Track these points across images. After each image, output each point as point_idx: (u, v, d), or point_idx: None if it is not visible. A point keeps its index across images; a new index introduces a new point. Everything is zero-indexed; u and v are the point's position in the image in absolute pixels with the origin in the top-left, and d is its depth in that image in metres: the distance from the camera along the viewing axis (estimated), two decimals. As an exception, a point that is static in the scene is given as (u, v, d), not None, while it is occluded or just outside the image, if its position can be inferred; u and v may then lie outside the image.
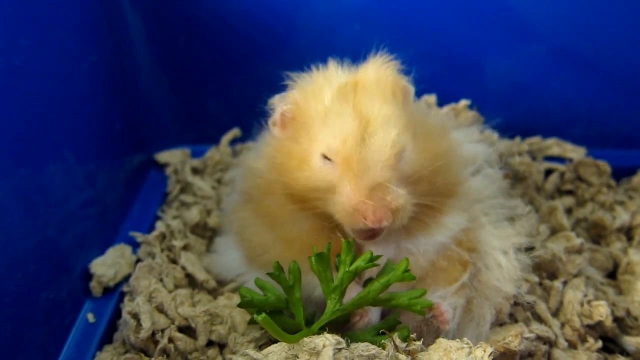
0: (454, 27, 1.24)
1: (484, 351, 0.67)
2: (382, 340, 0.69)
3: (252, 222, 0.85)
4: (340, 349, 0.63)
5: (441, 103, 1.23)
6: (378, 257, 0.70)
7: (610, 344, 0.91)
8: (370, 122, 0.72)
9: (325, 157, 0.73)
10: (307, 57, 1.30)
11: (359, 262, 0.70)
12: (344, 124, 0.72)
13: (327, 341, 0.62)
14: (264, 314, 0.64)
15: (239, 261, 0.90)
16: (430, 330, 0.77)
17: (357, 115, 0.72)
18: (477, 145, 0.97)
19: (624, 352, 0.89)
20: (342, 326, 0.74)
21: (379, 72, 0.79)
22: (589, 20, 1.20)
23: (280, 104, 0.80)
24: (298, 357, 0.64)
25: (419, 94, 1.24)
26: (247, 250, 0.87)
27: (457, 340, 0.70)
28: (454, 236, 0.82)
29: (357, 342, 0.70)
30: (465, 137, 0.98)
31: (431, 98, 1.23)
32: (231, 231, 0.94)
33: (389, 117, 0.73)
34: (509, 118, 1.33)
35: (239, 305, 0.70)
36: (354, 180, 0.70)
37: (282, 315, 0.72)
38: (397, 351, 0.67)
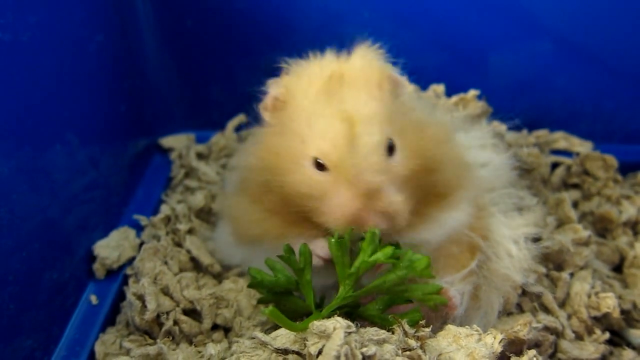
0: (463, 18, 1.23)
1: (494, 338, 0.67)
2: (391, 326, 0.68)
3: (246, 207, 0.82)
4: (350, 333, 0.62)
5: (449, 93, 1.22)
6: (399, 251, 0.68)
7: (615, 337, 0.90)
8: (355, 122, 0.69)
9: (317, 161, 0.70)
10: (315, 44, 1.28)
11: (379, 255, 0.68)
12: (331, 125, 0.69)
13: (338, 324, 0.61)
14: (271, 307, 0.63)
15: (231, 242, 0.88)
16: (437, 315, 0.76)
17: (343, 115, 0.69)
18: (488, 153, 0.94)
19: (629, 345, 0.89)
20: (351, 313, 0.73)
21: (364, 62, 0.76)
22: (596, 15, 1.19)
23: (272, 88, 0.79)
24: (307, 341, 0.63)
25: (427, 83, 1.25)
26: (236, 226, 0.85)
27: (467, 327, 0.69)
28: (446, 233, 0.79)
29: (364, 318, 0.69)
30: (475, 141, 0.94)
31: (440, 88, 1.23)
32: (223, 212, 0.93)
33: (373, 115, 0.70)
34: (516, 111, 1.32)
35: (249, 286, 0.69)
36: (348, 187, 0.68)
37: (293, 297, 0.72)
38: (407, 336, 0.66)
